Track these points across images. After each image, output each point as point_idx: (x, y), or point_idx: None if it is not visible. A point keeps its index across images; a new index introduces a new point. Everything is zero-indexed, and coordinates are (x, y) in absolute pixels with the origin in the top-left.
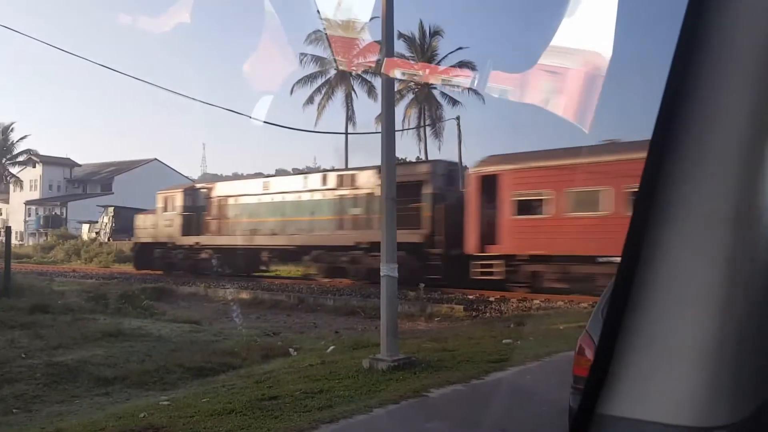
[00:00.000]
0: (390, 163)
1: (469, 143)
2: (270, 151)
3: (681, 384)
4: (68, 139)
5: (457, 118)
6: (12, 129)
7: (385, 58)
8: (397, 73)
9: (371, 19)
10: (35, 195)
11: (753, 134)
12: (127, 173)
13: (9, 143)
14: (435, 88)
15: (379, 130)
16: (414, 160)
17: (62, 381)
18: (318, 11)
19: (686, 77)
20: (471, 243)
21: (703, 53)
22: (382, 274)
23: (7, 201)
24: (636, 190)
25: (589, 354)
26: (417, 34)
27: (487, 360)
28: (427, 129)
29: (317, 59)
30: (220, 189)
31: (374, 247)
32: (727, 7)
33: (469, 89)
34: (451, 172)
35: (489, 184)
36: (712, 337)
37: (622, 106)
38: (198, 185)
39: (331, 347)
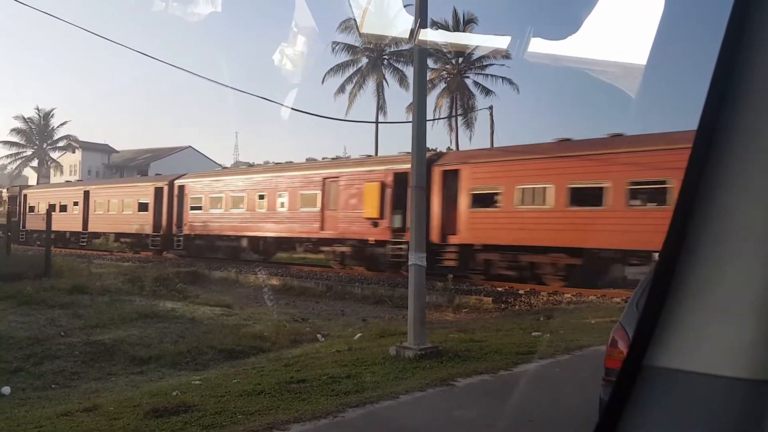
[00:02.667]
0: (420, 152)
1: (501, 132)
2: (301, 139)
3: (737, 336)
4: (107, 126)
5: (490, 107)
6: (52, 115)
7: (417, 46)
8: (429, 62)
9: (405, 6)
10: (75, 179)
11: None
12: (162, 159)
13: (50, 129)
14: (467, 77)
15: (410, 120)
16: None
17: (99, 359)
18: None
19: (734, 68)
20: (28, 226)
21: (751, 48)
22: (410, 263)
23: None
24: None
25: (622, 346)
26: (451, 22)
27: (516, 352)
28: (459, 119)
29: (349, 48)
30: None
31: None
32: None
33: (503, 78)
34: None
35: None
36: None
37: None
38: None
39: (359, 334)
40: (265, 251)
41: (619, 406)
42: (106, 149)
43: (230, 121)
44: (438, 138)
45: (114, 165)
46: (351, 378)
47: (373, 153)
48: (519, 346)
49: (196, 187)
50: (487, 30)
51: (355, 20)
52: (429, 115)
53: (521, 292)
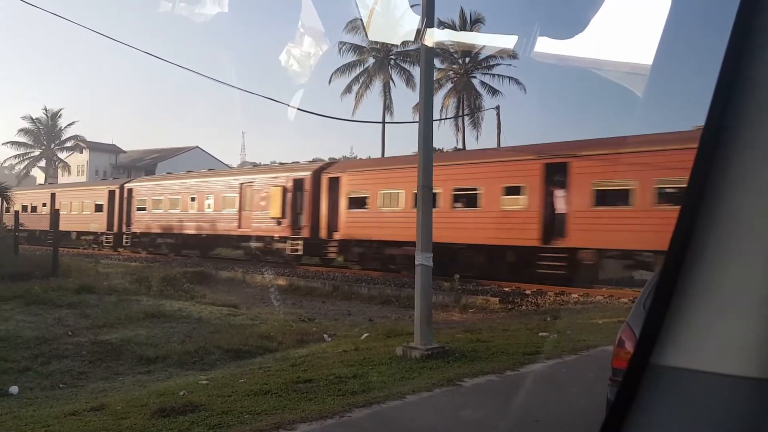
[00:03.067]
0: (427, 152)
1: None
2: (308, 139)
3: (743, 335)
4: (114, 126)
5: (497, 107)
6: (60, 115)
7: (424, 46)
8: (436, 62)
9: (412, 6)
10: (82, 180)
11: None
12: (169, 160)
13: (57, 129)
14: (474, 77)
15: (417, 120)
16: None
17: (106, 359)
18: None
19: (738, 73)
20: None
21: (757, 48)
22: (417, 263)
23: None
24: None
25: (629, 346)
26: (458, 22)
27: (523, 352)
28: (466, 118)
29: (355, 48)
30: None
31: None
32: None
33: (510, 78)
34: None
35: None
36: None
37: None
38: None
39: (365, 334)
40: (199, 247)
41: (625, 405)
42: (113, 149)
43: (237, 121)
44: (445, 138)
45: (121, 165)
46: (358, 378)
47: (379, 153)
48: (526, 347)
49: (141, 190)
50: (494, 30)
51: (361, 20)
52: (436, 115)
53: (528, 292)
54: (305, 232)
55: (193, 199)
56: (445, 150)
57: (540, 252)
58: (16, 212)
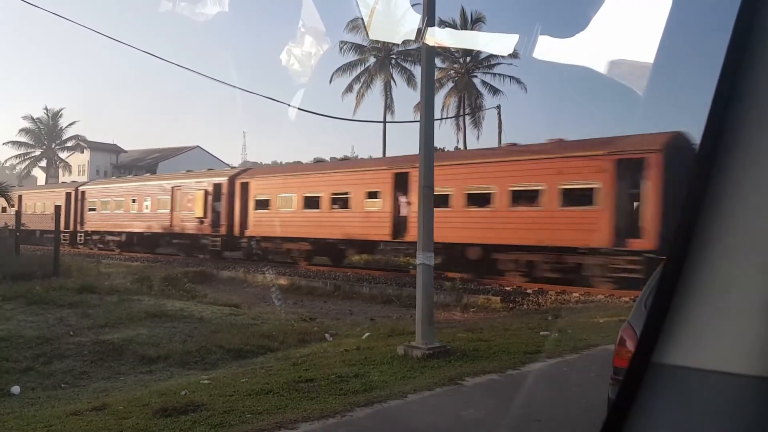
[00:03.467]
0: (428, 152)
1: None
2: (309, 139)
3: (745, 333)
4: (115, 126)
5: (498, 107)
6: (61, 115)
7: (425, 45)
8: (437, 61)
9: (413, 5)
10: (83, 179)
11: None
12: (170, 159)
13: (58, 129)
14: (475, 76)
15: (418, 119)
16: None
17: (108, 358)
18: None
19: (739, 73)
20: None
21: (757, 50)
22: (417, 262)
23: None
24: None
25: (630, 345)
26: (458, 21)
27: (524, 351)
28: (467, 118)
29: (356, 47)
30: None
31: None
32: None
33: (510, 77)
34: None
35: None
36: None
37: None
38: None
39: (367, 334)
40: (142, 244)
41: (626, 404)
42: (114, 149)
43: (238, 120)
44: (446, 137)
45: (122, 165)
46: (359, 377)
47: (380, 152)
48: (527, 346)
49: (92, 192)
50: (495, 29)
51: (362, 20)
52: (437, 115)
53: (529, 291)
54: (223, 230)
55: (134, 201)
56: (445, 149)
57: (390, 245)
58: (17, 212)
